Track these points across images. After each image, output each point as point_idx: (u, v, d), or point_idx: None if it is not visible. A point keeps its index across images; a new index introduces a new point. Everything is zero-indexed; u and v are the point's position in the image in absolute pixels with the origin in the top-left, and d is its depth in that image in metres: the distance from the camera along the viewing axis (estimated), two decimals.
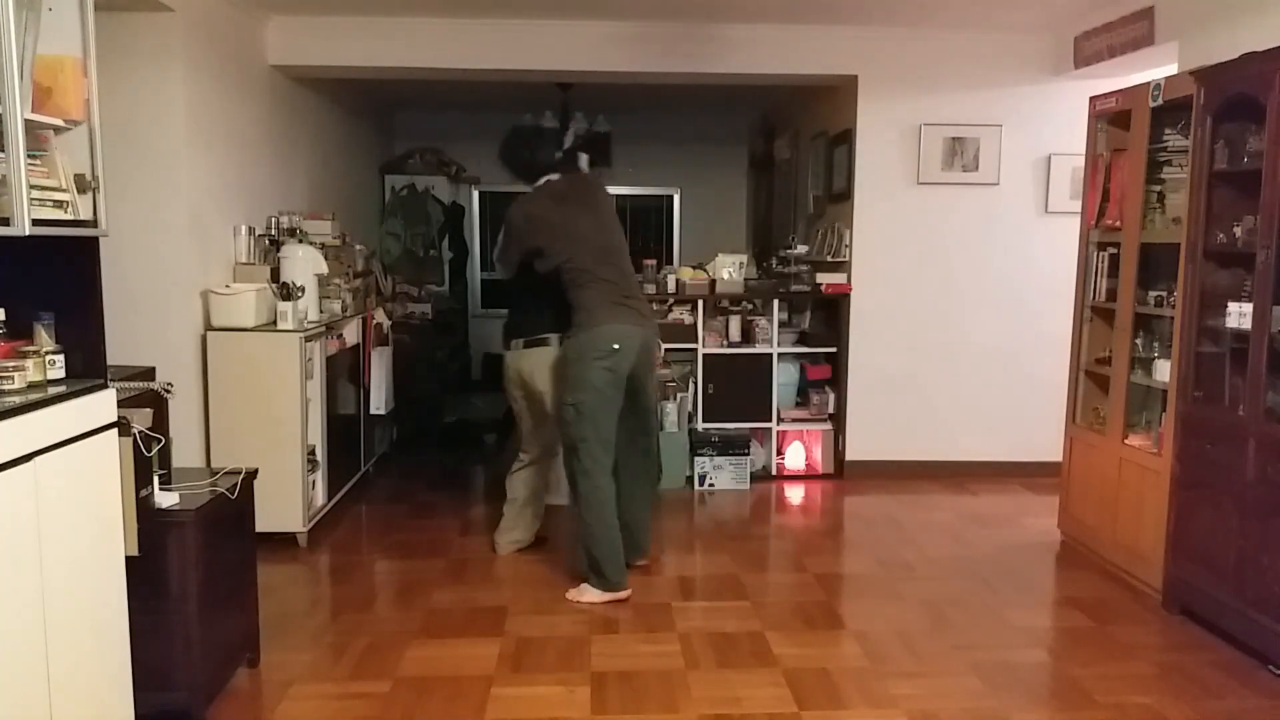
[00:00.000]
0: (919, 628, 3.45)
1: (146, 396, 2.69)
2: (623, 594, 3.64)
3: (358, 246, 5.61)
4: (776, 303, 5.43)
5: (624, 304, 3.66)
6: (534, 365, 3.94)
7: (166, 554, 2.62)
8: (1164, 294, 3.77)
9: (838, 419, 5.55)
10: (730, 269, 5.38)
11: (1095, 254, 4.23)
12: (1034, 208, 5.43)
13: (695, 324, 5.38)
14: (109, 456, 2.31)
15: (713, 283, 5.39)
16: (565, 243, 3.68)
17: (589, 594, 3.65)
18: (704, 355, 5.39)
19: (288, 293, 4.15)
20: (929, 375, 5.52)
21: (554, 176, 3.84)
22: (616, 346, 3.57)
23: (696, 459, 5.30)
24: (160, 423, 2.67)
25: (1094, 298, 4.24)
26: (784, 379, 5.54)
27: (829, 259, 5.62)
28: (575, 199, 3.80)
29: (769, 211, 7.82)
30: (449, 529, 4.56)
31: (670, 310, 5.42)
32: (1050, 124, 5.32)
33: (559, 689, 2.96)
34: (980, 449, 5.55)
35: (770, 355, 5.42)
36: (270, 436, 4.09)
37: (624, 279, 3.76)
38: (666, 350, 5.28)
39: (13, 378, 2.06)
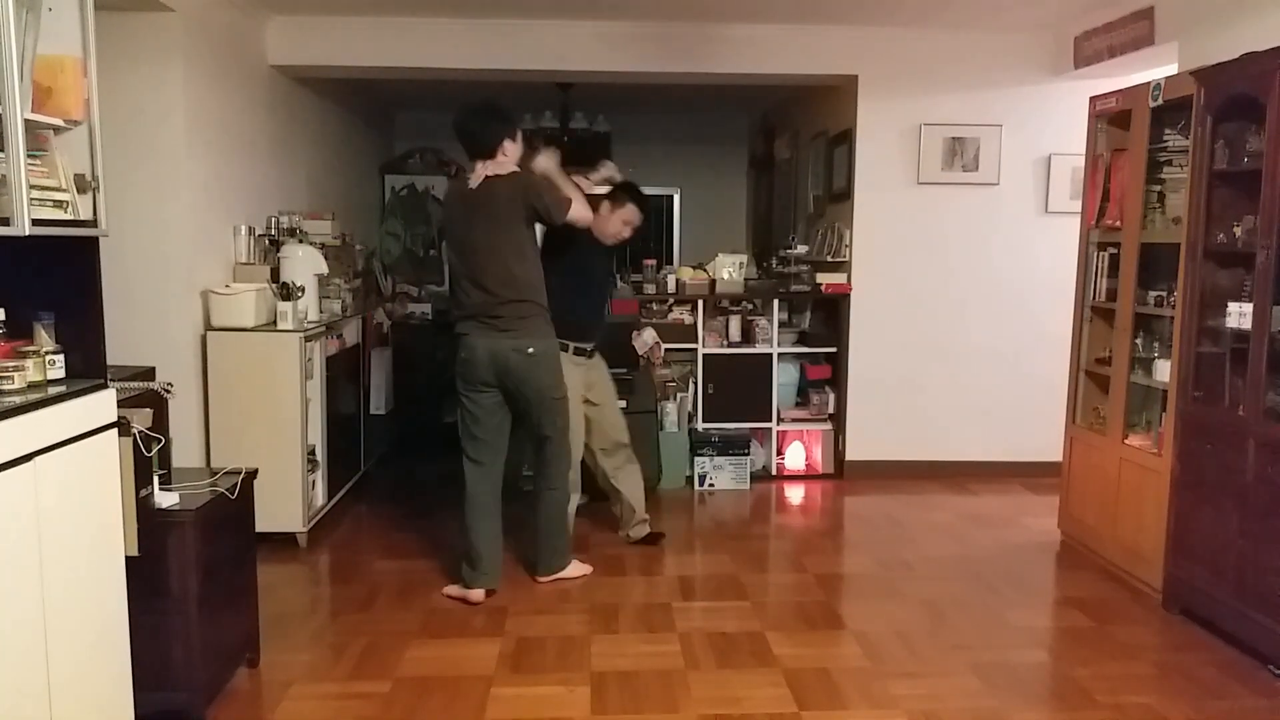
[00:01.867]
0: (919, 628, 3.45)
1: (146, 396, 2.69)
2: (470, 594, 3.65)
3: (358, 246, 5.62)
4: (776, 303, 5.43)
5: (476, 317, 3.60)
6: None
7: (166, 554, 2.62)
8: (1164, 294, 3.77)
9: (838, 419, 5.55)
10: (730, 269, 5.38)
11: (1095, 254, 4.23)
12: (1034, 208, 5.43)
13: (695, 324, 5.38)
14: (109, 456, 2.31)
15: (713, 283, 5.39)
16: (452, 254, 3.76)
17: (453, 588, 3.76)
18: (704, 355, 5.39)
19: (288, 293, 4.15)
20: (929, 375, 5.52)
21: (470, 175, 3.63)
22: (464, 356, 3.63)
23: (696, 459, 5.30)
24: (160, 423, 2.67)
25: (1094, 298, 4.24)
26: (784, 379, 5.54)
27: (829, 259, 5.63)
28: (473, 205, 3.58)
29: (769, 211, 7.82)
30: (449, 529, 4.55)
31: (670, 310, 5.42)
32: (1050, 124, 5.33)
33: (559, 689, 2.96)
34: (980, 449, 5.55)
35: (770, 355, 5.42)
36: (270, 436, 4.09)
37: (487, 296, 3.57)
38: (667, 350, 5.30)
39: (13, 378, 2.06)
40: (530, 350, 3.59)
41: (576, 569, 3.93)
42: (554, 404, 3.71)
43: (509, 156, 3.61)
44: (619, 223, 4.13)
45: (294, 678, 3.03)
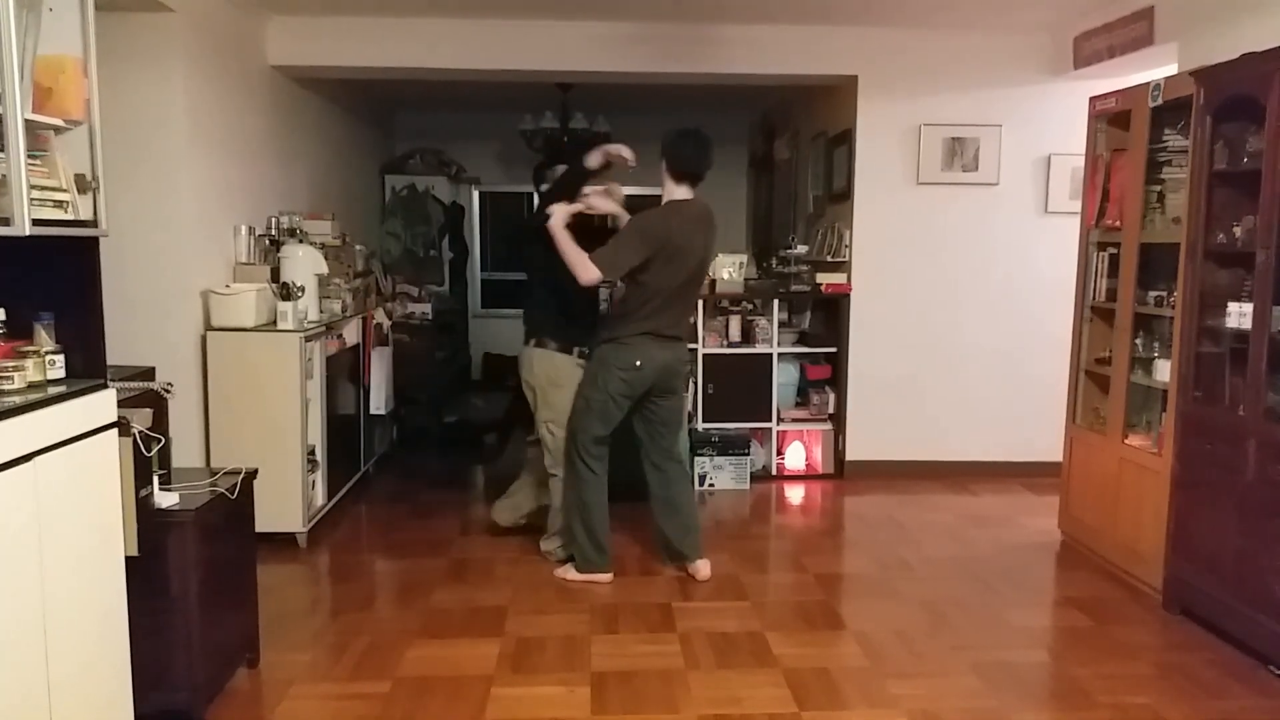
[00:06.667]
0: (919, 628, 3.45)
1: (146, 396, 2.69)
2: (602, 577, 3.87)
3: (358, 246, 5.62)
4: (776, 303, 5.43)
5: (657, 333, 3.74)
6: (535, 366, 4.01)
7: (166, 554, 2.62)
8: (1164, 294, 3.77)
9: (838, 419, 5.55)
10: (730, 269, 5.38)
11: (1095, 254, 4.23)
12: (1034, 208, 5.43)
13: (695, 324, 5.37)
14: (109, 456, 2.31)
15: (713, 283, 5.39)
16: (665, 269, 3.69)
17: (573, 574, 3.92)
18: (704, 355, 5.39)
19: (288, 293, 4.15)
20: (929, 375, 5.52)
21: (682, 196, 3.76)
22: (640, 364, 3.73)
23: (696, 459, 5.29)
24: (160, 423, 2.67)
25: (1094, 298, 4.24)
26: (784, 379, 5.54)
27: (829, 259, 5.63)
28: (695, 228, 3.74)
29: (769, 211, 7.82)
30: (449, 529, 4.57)
31: None
32: (1050, 124, 5.33)
33: (559, 689, 2.96)
34: (980, 449, 5.55)
35: (770, 355, 5.42)
36: (270, 436, 4.09)
37: (679, 314, 3.85)
38: None
39: (13, 378, 2.06)
40: (687, 359, 4.05)
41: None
42: (685, 403, 4.04)
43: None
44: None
45: (294, 678, 3.03)
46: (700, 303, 5.35)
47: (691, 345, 5.36)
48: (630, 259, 3.64)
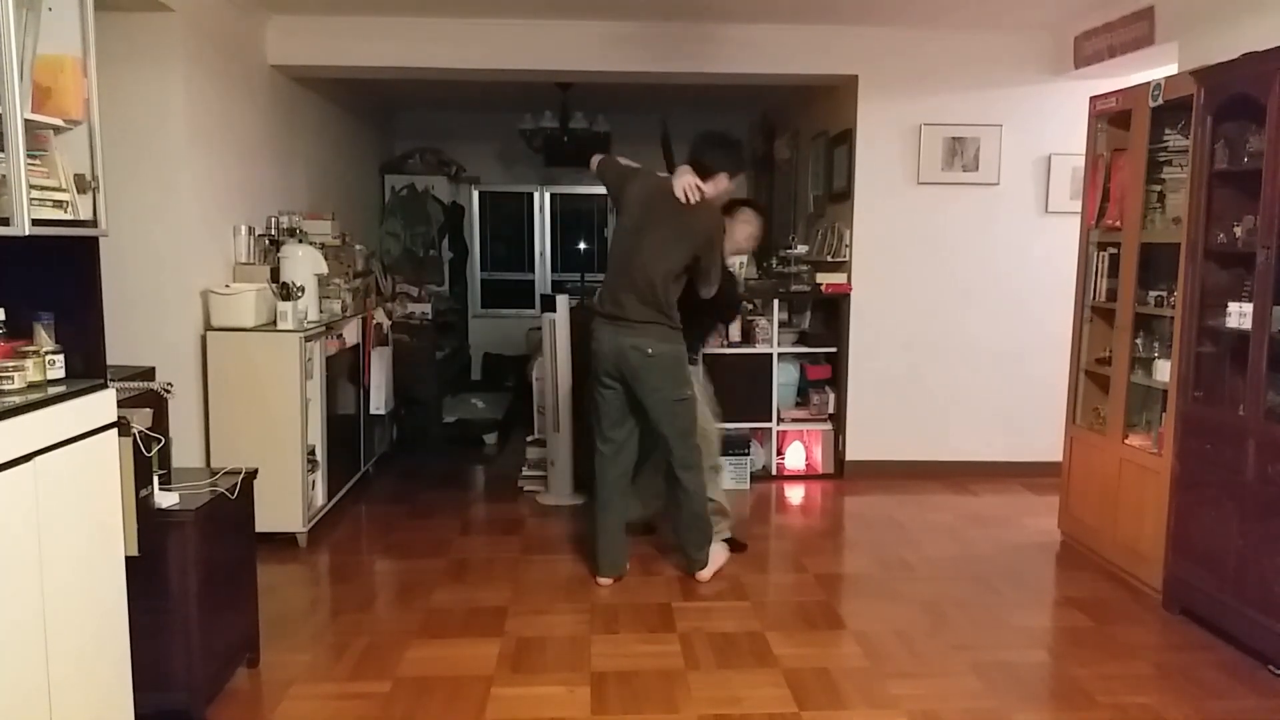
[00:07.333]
0: (919, 628, 3.45)
1: (146, 396, 2.69)
2: (597, 580, 3.85)
3: (358, 246, 5.62)
4: (776, 303, 5.43)
5: (608, 314, 3.71)
6: None
7: (166, 554, 2.62)
8: (1164, 294, 3.77)
9: (838, 419, 5.55)
10: (730, 269, 5.36)
11: (1095, 254, 4.23)
12: (1034, 208, 5.43)
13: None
14: (109, 456, 2.30)
15: None
16: (619, 242, 3.77)
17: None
18: (704, 355, 5.37)
19: (288, 293, 4.15)
20: (929, 375, 5.52)
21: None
22: (593, 347, 3.77)
23: None
24: (160, 423, 2.67)
25: (1094, 298, 4.24)
26: (784, 379, 5.54)
27: (829, 259, 5.62)
28: (666, 213, 3.67)
29: (769, 211, 7.81)
30: (449, 529, 4.57)
31: None
32: (1050, 124, 5.32)
33: (559, 689, 2.96)
34: (980, 449, 5.55)
35: (770, 355, 5.42)
36: (270, 436, 4.09)
37: (626, 298, 3.65)
38: None
39: (13, 378, 2.06)
40: (650, 351, 3.64)
41: (720, 558, 3.99)
42: (672, 406, 3.71)
43: (714, 190, 3.76)
44: (743, 238, 4.25)
45: (294, 678, 3.03)
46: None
47: None
48: (613, 166, 3.87)
